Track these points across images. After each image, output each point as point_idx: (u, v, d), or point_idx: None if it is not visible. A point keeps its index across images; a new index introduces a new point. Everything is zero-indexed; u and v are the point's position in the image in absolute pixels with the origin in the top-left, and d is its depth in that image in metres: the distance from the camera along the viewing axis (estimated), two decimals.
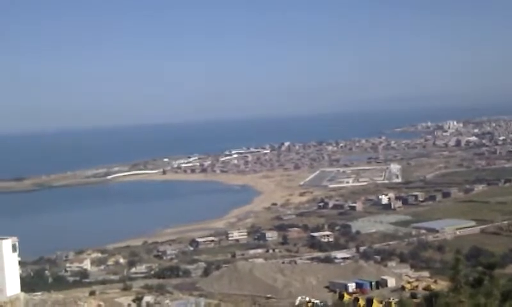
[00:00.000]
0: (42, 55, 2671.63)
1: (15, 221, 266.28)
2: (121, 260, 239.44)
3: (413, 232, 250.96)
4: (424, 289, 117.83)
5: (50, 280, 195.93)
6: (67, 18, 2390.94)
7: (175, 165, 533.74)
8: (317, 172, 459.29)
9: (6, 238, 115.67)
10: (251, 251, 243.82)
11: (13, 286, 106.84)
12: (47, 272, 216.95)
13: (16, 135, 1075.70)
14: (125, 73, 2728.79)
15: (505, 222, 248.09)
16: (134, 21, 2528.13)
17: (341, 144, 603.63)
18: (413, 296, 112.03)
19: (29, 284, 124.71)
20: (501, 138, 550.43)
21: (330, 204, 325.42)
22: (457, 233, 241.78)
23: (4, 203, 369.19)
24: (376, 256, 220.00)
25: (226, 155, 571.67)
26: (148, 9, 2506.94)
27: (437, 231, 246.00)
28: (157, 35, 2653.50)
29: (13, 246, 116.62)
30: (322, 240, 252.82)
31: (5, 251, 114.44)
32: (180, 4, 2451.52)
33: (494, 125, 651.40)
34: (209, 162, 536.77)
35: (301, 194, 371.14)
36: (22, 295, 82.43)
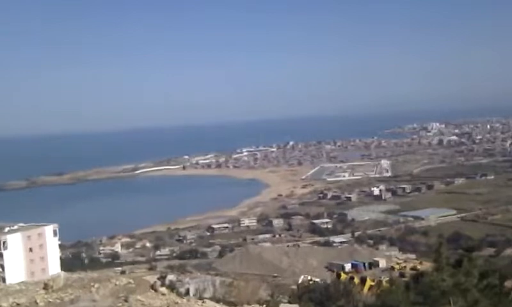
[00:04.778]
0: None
1: (55, 210, 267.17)
2: (148, 244, 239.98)
3: (401, 219, 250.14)
4: (411, 269, 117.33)
5: (86, 261, 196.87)
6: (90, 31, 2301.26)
7: (194, 162, 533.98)
8: (317, 167, 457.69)
9: (48, 225, 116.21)
10: (260, 236, 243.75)
11: (54, 266, 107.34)
12: (83, 254, 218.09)
13: (56, 135, 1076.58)
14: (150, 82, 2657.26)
15: (481, 211, 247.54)
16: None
17: (338, 144, 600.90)
18: (402, 275, 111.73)
19: (67, 264, 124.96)
20: (478, 137, 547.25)
21: (329, 196, 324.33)
22: (440, 220, 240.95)
23: (47, 195, 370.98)
24: (369, 241, 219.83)
25: (238, 153, 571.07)
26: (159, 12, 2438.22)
27: (422, 219, 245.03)
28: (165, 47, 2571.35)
29: (54, 232, 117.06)
30: (322, 226, 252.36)
31: (47, 236, 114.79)
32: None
33: (472, 126, 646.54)
34: (223, 159, 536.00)
35: (304, 187, 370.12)
36: (62, 273, 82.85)
